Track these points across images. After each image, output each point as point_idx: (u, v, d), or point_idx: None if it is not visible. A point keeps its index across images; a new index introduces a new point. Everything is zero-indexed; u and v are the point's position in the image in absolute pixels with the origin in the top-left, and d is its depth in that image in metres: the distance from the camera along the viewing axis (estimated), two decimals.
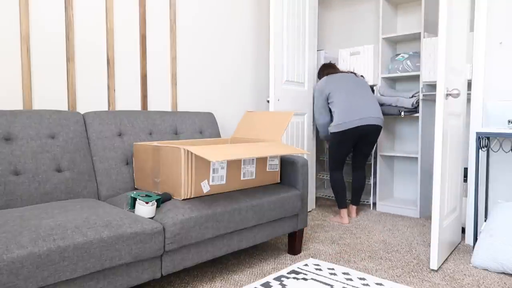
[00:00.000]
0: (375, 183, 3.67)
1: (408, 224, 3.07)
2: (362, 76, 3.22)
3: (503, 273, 2.12)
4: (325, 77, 3.14)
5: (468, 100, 2.96)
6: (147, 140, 2.27)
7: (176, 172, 1.84)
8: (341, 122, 2.94)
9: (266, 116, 2.50)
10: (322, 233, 2.80)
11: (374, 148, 3.57)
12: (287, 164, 2.36)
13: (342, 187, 3.10)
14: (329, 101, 3.07)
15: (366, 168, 3.94)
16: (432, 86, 3.26)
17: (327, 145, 3.98)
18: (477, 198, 2.40)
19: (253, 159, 2.14)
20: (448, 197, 2.30)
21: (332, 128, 3.00)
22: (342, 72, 3.19)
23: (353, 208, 3.26)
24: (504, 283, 1.99)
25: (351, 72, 3.19)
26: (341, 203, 3.12)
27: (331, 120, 3.14)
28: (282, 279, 2.00)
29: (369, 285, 1.93)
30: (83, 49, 2.25)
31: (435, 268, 2.13)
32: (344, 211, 3.10)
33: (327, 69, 3.26)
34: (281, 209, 2.17)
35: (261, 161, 2.19)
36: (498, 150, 2.52)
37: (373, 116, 2.97)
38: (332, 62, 3.53)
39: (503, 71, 2.52)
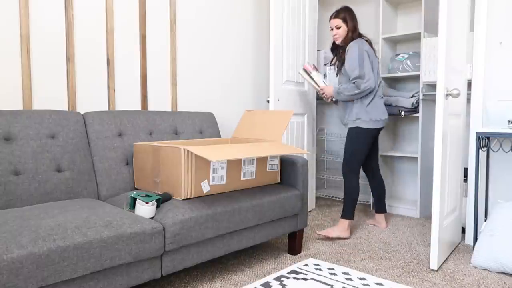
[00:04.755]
0: None
1: (408, 224, 3.07)
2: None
3: (503, 273, 2.12)
4: (364, 43, 2.69)
5: (468, 100, 2.96)
6: (147, 140, 2.27)
7: (176, 172, 1.84)
8: (379, 118, 2.65)
9: (266, 115, 2.50)
10: None
11: None
12: (287, 164, 2.36)
13: (358, 195, 2.73)
14: None
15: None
16: (432, 86, 3.26)
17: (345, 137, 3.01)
18: (477, 198, 2.40)
19: (253, 159, 2.14)
20: (448, 197, 2.30)
21: (368, 123, 2.63)
22: (368, 41, 2.78)
23: (382, 216, 2.94)
24: (504, 283, 1.99)
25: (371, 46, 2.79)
26: (353, 214, 2.70)
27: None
28: (282, 279, 2.00)
29: (369, 285, 1.93)
30: (83, 49, 2.25)
31: (435, 268, 2.13)
32: (350, 223, 2.71)
33: (357, 25, 2.77)
34: (281, 209, 2.17)
35: (261, 161, 2.20)
36: (498, 150, 2.52)
37: None
38: None
39: (503, 71, 2.52)
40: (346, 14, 2.73)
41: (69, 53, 2.19)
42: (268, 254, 2.39)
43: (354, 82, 2.62)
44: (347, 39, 2.75)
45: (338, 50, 2.86)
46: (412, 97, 3.25)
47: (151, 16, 2.57)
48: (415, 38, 3.42)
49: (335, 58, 2.90)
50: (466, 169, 2.86)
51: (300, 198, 2.30)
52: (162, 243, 1.64)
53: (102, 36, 2.33)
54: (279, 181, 2.35)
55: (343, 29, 2.73)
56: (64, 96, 2.19)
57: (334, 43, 2.86)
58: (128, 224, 1.54)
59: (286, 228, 2.27)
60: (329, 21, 2.79)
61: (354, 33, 2.74)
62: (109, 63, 2.36)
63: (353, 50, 2.65)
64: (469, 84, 2.85)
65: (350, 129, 2.71)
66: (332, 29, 2.78)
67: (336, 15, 2.75)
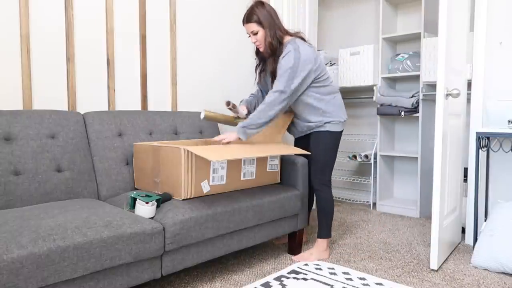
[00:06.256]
0: (375, 183, 3.67)
1: (408, 224, 3.07)
2: None
3: (503, 273, 2.12)
4: (308, 44, 2.19)
5: (468, 100, 2.96)
6: (147, 140, 2.27)
7: (176, 172, 1.84)
8: (343, 119, 2.29)
9: None
10: None
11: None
12: (287, 164, 2.36)
13: (334, 208, 2.39)
14: (316, 83, 2.20)
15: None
16: (432, 86, 3.26)
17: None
18: (477, 198, 2.40)
19: (253, 159, 2.14)
20: (448, 197, 2.30)
21: (336, 126, 2.26)
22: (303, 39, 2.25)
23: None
24: (504, 283, 1.99)
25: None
26: (331, 230, 2.47)
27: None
28: (282, 279, 2.00)
29: (369, 285, 1.93)
30: (83, 49, 2.25)
31: (435, 268, 2.13)
32: (329, 241, 2.39)
33: (278, 19, 2.20)
34: (281, 209, 2.17)
35: (261, 161, 2.19)
36: (498, 150, 2.52)
37: None
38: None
39: (503, 71, 2.52)
40: (258, 14, 2.12)
41: (69, 53, 2.19)
42: (268, 254, 2.39)
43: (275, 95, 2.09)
44: (276, 44, 2.15)
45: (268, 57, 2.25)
46: (412, 97, 3.25)
47: (151, 16, 2.57)
48: (415, 38, 3.42)
49: (261, 65, 2.36)
50: (466, 169, 2.86)
51: (300, 198, 2.29)
52: (162, 243, 1.64)
53: (102, 36, 2.33)
54: (279, 181, 2.35)
55: (262, 33, 2.15)
56: (64, 96, 2.19)
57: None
58: (128, 224, 1.54)
59: (286, 228, 2.27)
60: (243, 25, 2.21)
61: (279, 32, 2.16)
62: (109, 63, 2.36)
63: (288, 58, 2.09)
64: (469, 84, 2.85)
65: (317, 134, 2.28)
66: (249, 36, 2.21)
67: (247, 19, 2.15)
